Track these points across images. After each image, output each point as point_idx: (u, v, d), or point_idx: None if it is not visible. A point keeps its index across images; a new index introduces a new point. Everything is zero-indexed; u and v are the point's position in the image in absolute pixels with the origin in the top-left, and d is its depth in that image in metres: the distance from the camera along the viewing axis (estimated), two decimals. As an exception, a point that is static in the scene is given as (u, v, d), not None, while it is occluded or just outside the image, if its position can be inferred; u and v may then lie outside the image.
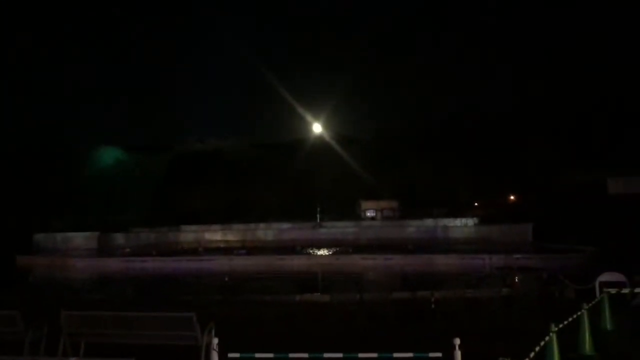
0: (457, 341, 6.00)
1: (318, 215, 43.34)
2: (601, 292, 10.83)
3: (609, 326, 9.86)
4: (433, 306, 12.01)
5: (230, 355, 6.27)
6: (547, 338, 6.35)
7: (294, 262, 26.26)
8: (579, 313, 8.04)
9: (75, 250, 34.70)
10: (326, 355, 6.55)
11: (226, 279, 22.08)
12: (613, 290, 10.52)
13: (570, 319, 7.40)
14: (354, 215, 46.70)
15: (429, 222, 38.08)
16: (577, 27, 74.41)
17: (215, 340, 6.48)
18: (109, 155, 62.77)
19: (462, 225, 36.62)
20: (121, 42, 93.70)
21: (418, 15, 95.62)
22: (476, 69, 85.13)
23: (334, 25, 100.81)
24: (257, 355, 6.40)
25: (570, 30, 73.36)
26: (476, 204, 57.07)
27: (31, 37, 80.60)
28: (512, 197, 58.74)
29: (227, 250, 33.27)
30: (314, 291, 16.01)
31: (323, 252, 30.89)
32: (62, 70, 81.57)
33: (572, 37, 73.35)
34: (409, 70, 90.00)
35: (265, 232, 39.30)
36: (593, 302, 9.17)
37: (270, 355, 6.45)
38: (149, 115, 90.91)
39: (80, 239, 37.31)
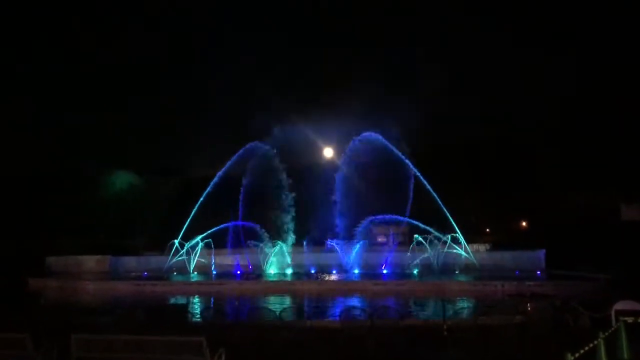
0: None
1: (328, 240, 43.13)
2: (617, 320, 10.64)
3: (626, 355, 9.66)
4: (445, 333, 11.85)
5: (241, 381, 6.21)
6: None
7: (305, 287, 26.12)
8: (595, 342, 7.89)
9: (87, 273, 34.81)
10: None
11: (236, 303, 21.98)
12: (630, 319, 10.33)
13: (586, 348, 7.26)
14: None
15: (440, 247, 37.73)
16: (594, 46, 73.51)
17: (226, 366, 6.43)
18: (121, 179, 63.22)
19: (474, 251, 36.23)
20: (137, 66, 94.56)
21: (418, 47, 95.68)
22: (491, 91, 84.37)
23: (342, 47, 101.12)
24: (268, 381, 6.35)
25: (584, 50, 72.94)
26: (487, 230, 56.65)
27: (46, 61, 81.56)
28: (523, 223, 58.28)
29: (237, 274, 33.23)
30: (324, 317, 15.90)
31: (333, 277, 30.71)
32: (76, 93, 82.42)
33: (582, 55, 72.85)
34: (416, 95, 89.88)
35: (277, 256, 39.07)
36: (610, 331, 9.01)
37: (281, 381, 6.39)
38: (162, 140, 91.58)
39: (91, 262, 37.44)
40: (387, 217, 38.17)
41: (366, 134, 40.36)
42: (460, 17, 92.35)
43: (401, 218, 37.48)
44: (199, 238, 37.25)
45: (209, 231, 37.74)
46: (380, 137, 39.27)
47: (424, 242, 35.43)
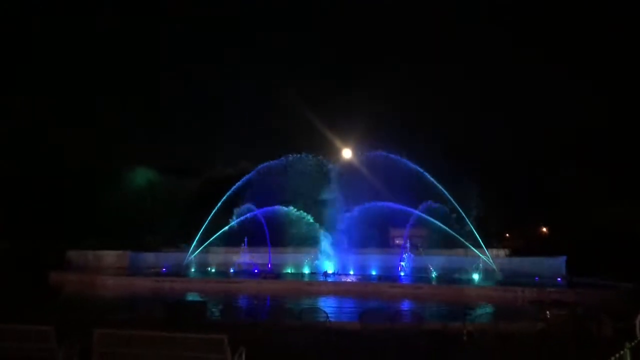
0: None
1: (346, 241, 43.01)
2: (642, 330, 10.46)
3: (651, 367, 9.48)
4: (465, 338, 11.75)
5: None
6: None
7: (322, 288, 26.11)
8: (621, 352, 7.75)
9: (107, 267, 35.17)
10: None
11: (255, 302, 22.06)
12: (655, 330, 10.15)
13: (612, 359, 7.14)
14: (384, 242, 46.18)
15: (459, 251, 37.41)
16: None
17: (247, 365, 6.44)
18: (141, 176, 63.67)
19: (493, 257, 35.87)
20: (149, 65, 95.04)
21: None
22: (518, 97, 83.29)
23: (367, 52, 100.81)
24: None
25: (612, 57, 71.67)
26: (507, 234, 56.04)
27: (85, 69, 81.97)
28: (544, 229, 57.53)
29: (256, 272, 33.35)
30: (343, 318, 15.86)
31: (351, 279, 30.65)
32: (99, 93, 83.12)
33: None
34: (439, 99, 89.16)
35: (294, 256, 39.08)
36: (636, 341, 8.84)
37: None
38: (182, 138, 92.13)
39: (111, 257, 37.81)
40: (387, 204, 37.05)
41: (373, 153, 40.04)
42: (475, 31, 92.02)
43: (410, 209, 36.34)
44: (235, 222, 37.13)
45: (235, 221, 37.55)
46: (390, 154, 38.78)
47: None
